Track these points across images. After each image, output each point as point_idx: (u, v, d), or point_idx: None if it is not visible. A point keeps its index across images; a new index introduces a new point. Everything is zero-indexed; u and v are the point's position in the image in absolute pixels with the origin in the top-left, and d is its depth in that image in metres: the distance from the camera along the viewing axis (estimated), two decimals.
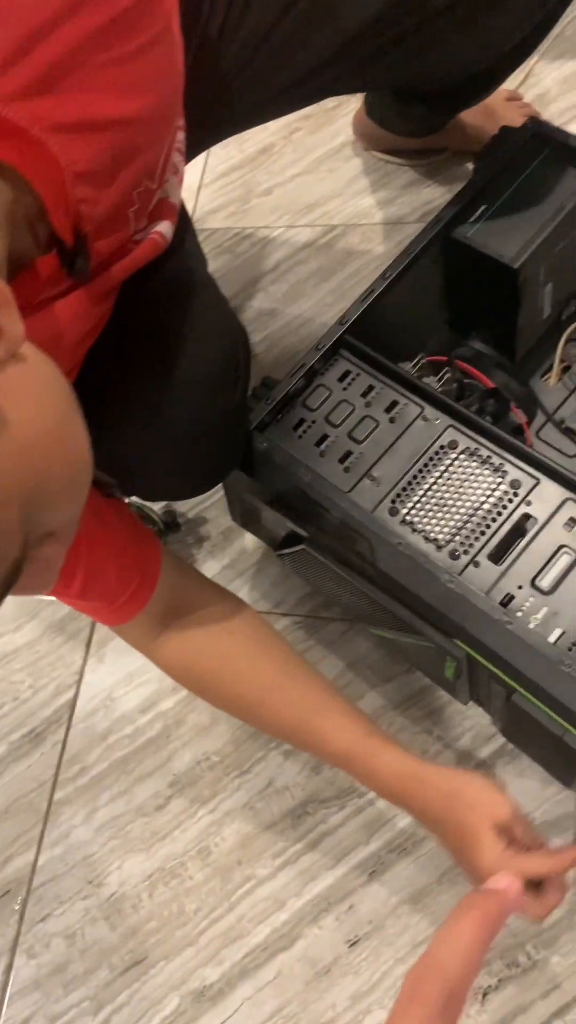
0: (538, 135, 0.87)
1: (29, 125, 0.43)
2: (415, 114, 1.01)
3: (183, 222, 0.70)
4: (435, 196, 1.12)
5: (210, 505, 0.98)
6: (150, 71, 0.49)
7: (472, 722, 0.82)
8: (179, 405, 0.68)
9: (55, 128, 0.44)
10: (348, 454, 0.75)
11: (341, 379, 0.79)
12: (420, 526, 0.71)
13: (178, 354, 0.67)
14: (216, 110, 0.75)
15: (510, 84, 1.20)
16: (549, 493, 0.70)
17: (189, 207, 1.21)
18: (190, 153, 0.71)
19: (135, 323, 0.65)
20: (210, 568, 0.95)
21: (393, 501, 0.73)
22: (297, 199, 1.18)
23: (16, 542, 0.37)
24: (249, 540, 0.95)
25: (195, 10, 0.68)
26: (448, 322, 0.95)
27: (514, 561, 0.68)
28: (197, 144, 0.80)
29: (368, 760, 0.69)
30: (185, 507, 0.98)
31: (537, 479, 0.71)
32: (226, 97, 0.73)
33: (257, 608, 0.92)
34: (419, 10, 0.70)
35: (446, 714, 0.83)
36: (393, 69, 0.79)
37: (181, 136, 0.66)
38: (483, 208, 0.85)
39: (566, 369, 0.94)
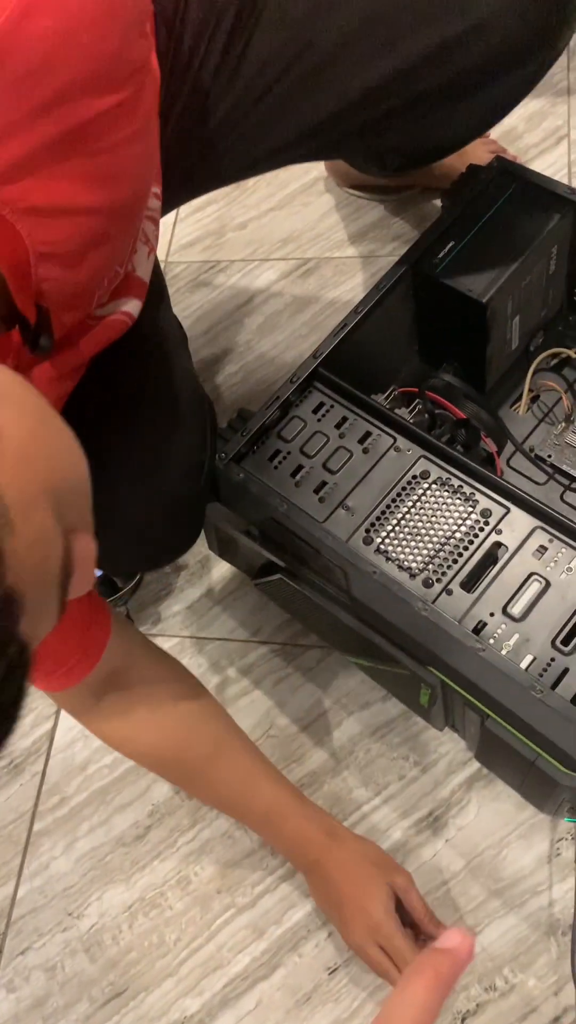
0: (504, 172, 0.90)
1: (0, 207, 0.44)
2: (387, 163, 1.03)
3: (157, 288, 0.71)
4: (406, 230, 1.15)
5: None
6: (127, 164, 0.50)
7: (447, 748, 0.83)
8: (146, 487, 0.70)
9: (26, 211, 0.45)
10: (323, 484, 0.77)
11: (315, 411, 0.81)
12: (394, 555, 0.73)
13: (147, 439, 0.69)
14: (203, 166, 0.76)
15: None
16: (519, 522, 0.72)
17: (165, 241, 1.23)
18: (171, 205, 0.72)
19: (102, 396, 0.66)
20: (187, 597, 0.96)
21: (367, 530, 0.74)
22: (271, 233, 1.21)
23: (59, 541, 0.37)
24: (226, 569, 0.96)
25: (187, 58, 0.69)
26: (419, 354, 0.97)
27: (486, 589, 0.70)
28: (177, 198, 0.82)
29: (297, 817, 0.75)
30: None
31: (507, 508, 0.73)
32: (214, 154, 0.75)
33: (234, 637, 0.93)
34: (420, 82, 0.72)
35: (422, 740, 0.84)
36: (383, 138, 0.81)
37: (155, 204, 0.66)
38: (452, 244, 0.87)
39: (535, 399, 0.97)
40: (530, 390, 0.96)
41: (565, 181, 1.18)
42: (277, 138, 0.75)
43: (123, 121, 0.48)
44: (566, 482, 0.91)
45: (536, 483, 0.92)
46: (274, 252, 1.19)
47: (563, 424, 0.94)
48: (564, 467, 0.91)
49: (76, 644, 0.68)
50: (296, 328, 1.12)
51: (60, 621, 0.66)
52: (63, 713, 0.93)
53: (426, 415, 0.87)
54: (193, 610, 0.95)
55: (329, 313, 1.12)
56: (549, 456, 0.93)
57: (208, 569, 0.97)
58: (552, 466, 0.92)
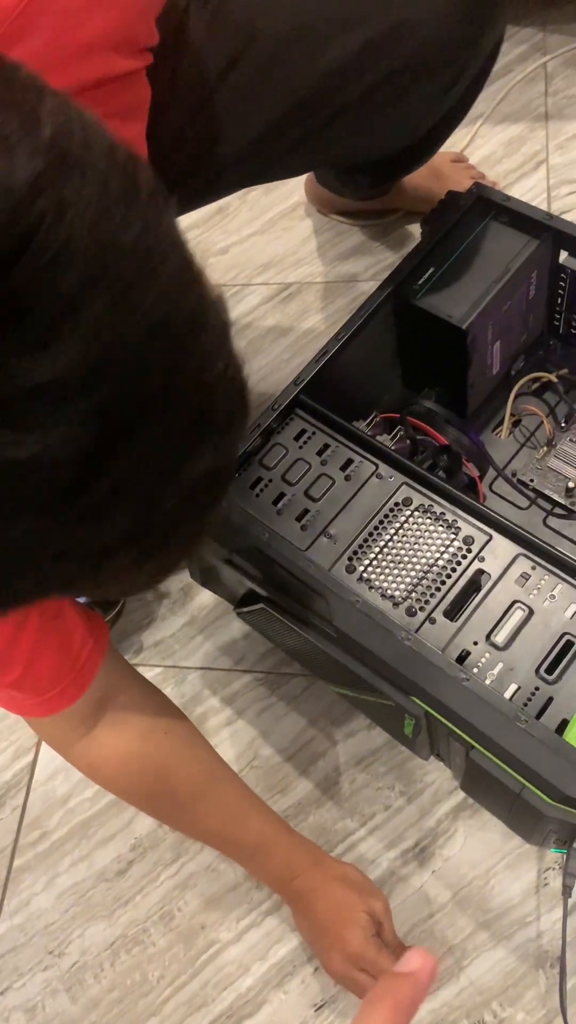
0: (483, 199, 0.90)
1: None
2: (358, 182, 1.03)
3: None
4: (387, 255, 1.15)
5: None
6: (127, 139, 0.53)
7: (433, 776, 0.83)
8: None
9: None
10: (305, 512, 0.76)
11: (297, 438, 0.80)
12: (377, 583, 0.72)
13: None
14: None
15: (457, 147, 1.25)
16: (501, 549, 0.72)
17: None
18: None
19: None
20: (170, 625, 0.95)
21: (350, 559, 0.74)
22: (253, 258, 1.21)
23: None
24: (208, 596, 0.95)
25: None
26: (401, 379, 0.97)
27: (469, 617, 0.69)
28: None
29: (285, 849, 0.74)
30: None
31: (489, 535, 0.73)
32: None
33: (218, 665, 0.92)
34: (351, 86, 0.73)
35: (407, 768, 0.83)
36: (327, 149, 0.82)
37: None
38: (432, 270, 0.87)
39: (517, 423, 0.97)
40: (512, 414, 0.96)
41: (544, 206, 1.19)
42: (224, 152, 0.76)
43: (133, 89, 0.51)
44: (548, 507, 0.91)
45: (519, 508, 0.92)
46: (256, 277, 1.19)
47: (545, 448, 0.94)
48: (546, 491, 0.91)
49: (74, 656, 0.64)
50: (279, 353, 1.12)
51: (58, 645, 0.63)
52: (44, 745, 0.92)
53: (408, 441, 0.87)
54: (175, 639, 0.94)
55: (312, 337, 1.12)
56: (531, 480, 0.93)
57: (190, 597, 0.96)
58: (534, 490, 0.92)
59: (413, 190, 1.13)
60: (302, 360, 0.90)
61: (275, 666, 0.90)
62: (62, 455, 0.25)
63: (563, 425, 0.95)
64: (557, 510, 0.91)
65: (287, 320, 1.14)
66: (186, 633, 0.94)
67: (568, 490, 0.91)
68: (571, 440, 0.93)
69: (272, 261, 1.20)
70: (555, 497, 0.91)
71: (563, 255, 0.89)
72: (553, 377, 0.96)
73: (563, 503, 0.91)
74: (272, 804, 0.83)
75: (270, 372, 1.10)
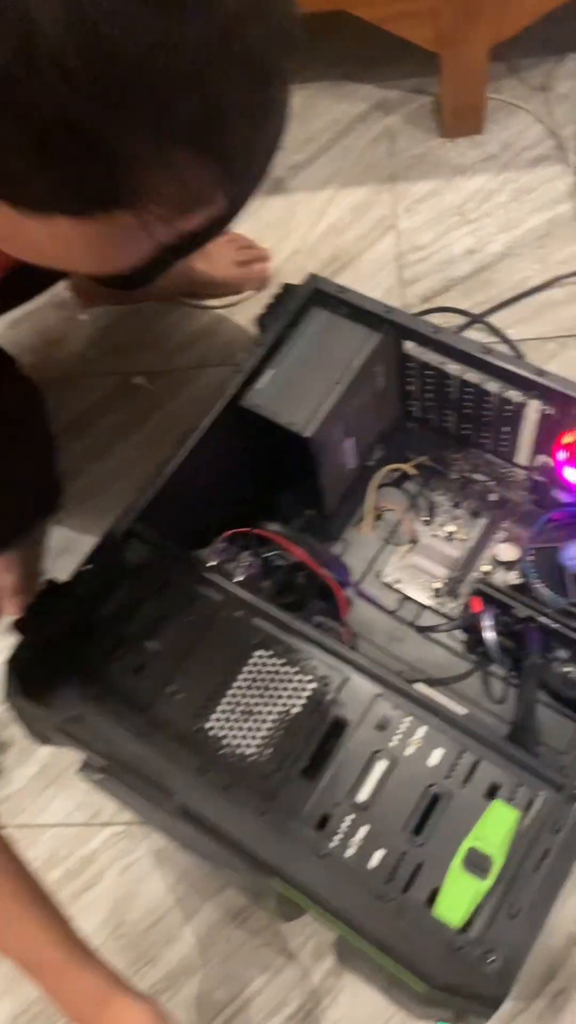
0: (319, 291, 0.85)
1: None
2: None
3: None
4: (235, 336, 1.09)
5: None
6: None
7: (313, 928, 0.76)
8: None
9: None
10: (145, 663, 0.69)
11: (134, 574, 0.73)
12: (227, 741, 0.65)
13: None
14: None
15: (314, 215, 1.19)
16: (359, 689, 0.66)
17: None
18: None
19: None
20: (18, 778, 0.85)
21: (196, 715, 0.66)
22: (95, 345, 1.13)
23: None
24: None
25: None
26: (252, 483, 0.91)
27: (329, 773, 0.63)
28: None
29: (79, 974, 0.63)
30: None
31: (346, 676, 0.67)
32: None
33: (73, 819, 0.83)
34: None
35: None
36: None
37: None
38: (272, 372, 0.82)
39: (380, 516, 0.92)
40: (374, 507, 0.91)
41: (395, 273, 1.15)
42: None
43: None
44: (415, 610, 0.86)
45: (387, 611, 0.87)
46: (98, 367, 1.11)
47: (408, 544, 0.89)
48: (412, 595, 0.86)
49: None
50: (125, 453, 1.04)
51: None
52: None
53: (260, 559, 0.81)
54: (24, 793, 0.84)
55: (163, 430, 1.04)
56: (398, 581, 0.88)
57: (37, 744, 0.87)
58: (401, 592, 0.87)
59: (176, 274, 1.03)
60: (152, 460, 0.83)
61: (136, 816, 0.82)
62: None
63: (427, 519, 0.90)
64: (419, 622, 0.86)
65: (134, 416, 1.06)
66: (36, 786, 0.85)
67: (436, 591, 0.86)
68: (433, 535, 0.89)
69: (115, 349, 1.12)
70: (421, 600, 0.86)
71: (407, 344, 0.85)
72: (409, 469, 0.91)
73: (430, 605, 0.86)
74: (141, 977, 0.75)
75: (116, 477, 1.02)
